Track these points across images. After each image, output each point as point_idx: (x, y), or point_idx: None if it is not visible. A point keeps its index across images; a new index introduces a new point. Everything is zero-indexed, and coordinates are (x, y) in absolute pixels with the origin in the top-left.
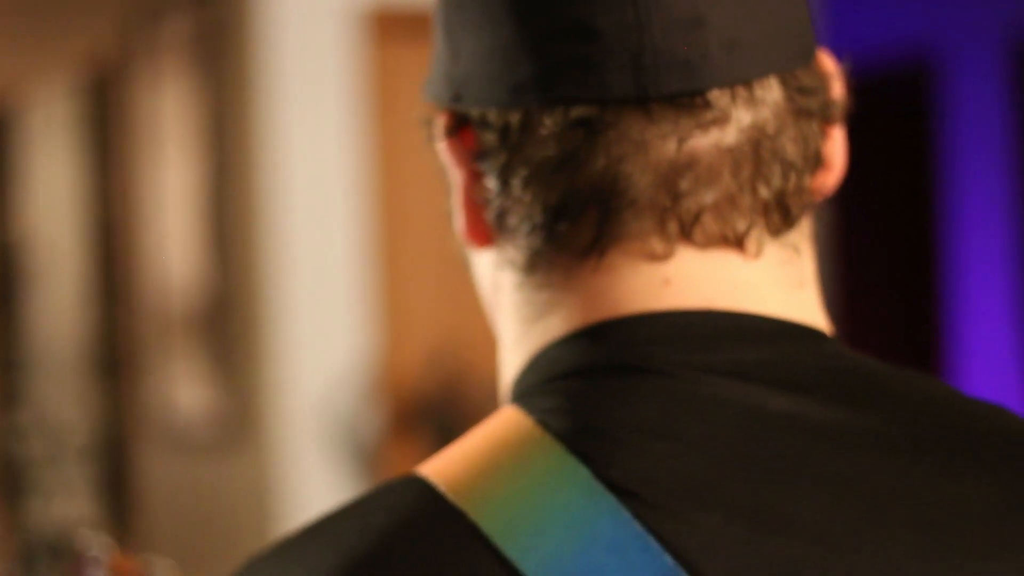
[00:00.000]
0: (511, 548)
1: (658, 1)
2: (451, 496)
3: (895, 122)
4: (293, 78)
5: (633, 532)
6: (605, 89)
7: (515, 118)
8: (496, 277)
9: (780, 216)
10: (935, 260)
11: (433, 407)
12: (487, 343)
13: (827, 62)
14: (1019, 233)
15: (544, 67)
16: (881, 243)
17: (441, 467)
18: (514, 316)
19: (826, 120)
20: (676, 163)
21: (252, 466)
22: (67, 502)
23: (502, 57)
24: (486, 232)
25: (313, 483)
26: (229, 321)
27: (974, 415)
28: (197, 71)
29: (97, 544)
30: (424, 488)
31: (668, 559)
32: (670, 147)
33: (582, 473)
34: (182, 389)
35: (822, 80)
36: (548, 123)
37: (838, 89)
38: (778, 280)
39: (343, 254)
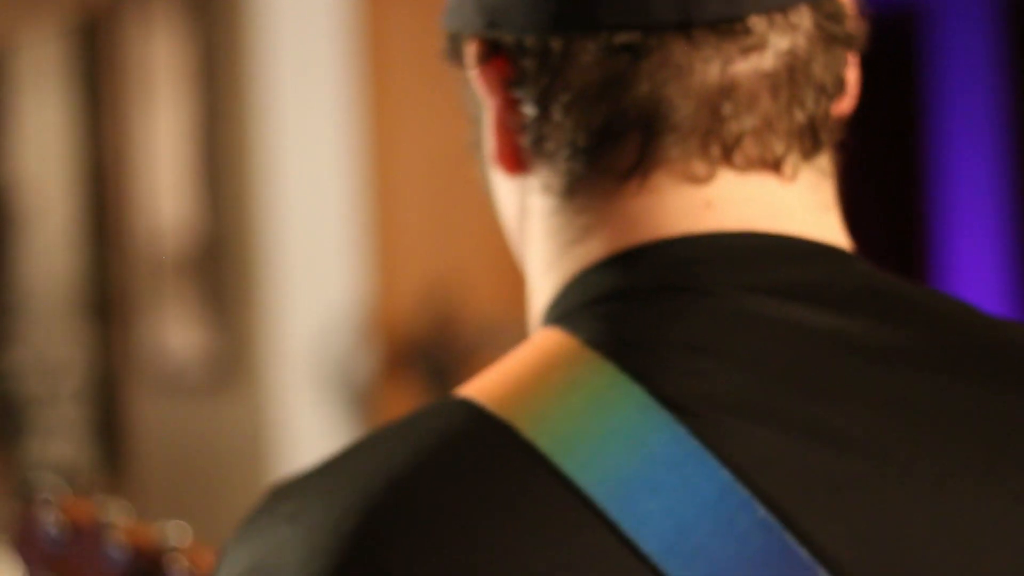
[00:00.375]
0: (568, 464)
1: None
2: (500, 413)
3: (883, 66)
4: (284, 22)
5: (690, 447)
6: (649, 15)
7: (557, 44)
8: (527, 203)
9: (812, 140)
10: (923, 202)
11: (425, 348)
12: (480, 284)
13: None
14: (1007, 178)
15: None
16: (870, 186)
17: (486, 388)
18: (548, 241)
19: (848, 47)
20: (719, 88)
21: (245, 408)
22: (63, 443)
23: None
24: (519, 158)
25: (307, 425)
26: (221, 263)
27: (1003, 332)
28: (188, 14)
29: (51, 487)
30: (472, 408)
31: (727, 473)
32: (712, 72)
33: (636, 391)
34: (174, 331)
35: (844, 9)
36: (592, 49)
37: (855, 18)
38: (810, 203)
39: (334, 196)
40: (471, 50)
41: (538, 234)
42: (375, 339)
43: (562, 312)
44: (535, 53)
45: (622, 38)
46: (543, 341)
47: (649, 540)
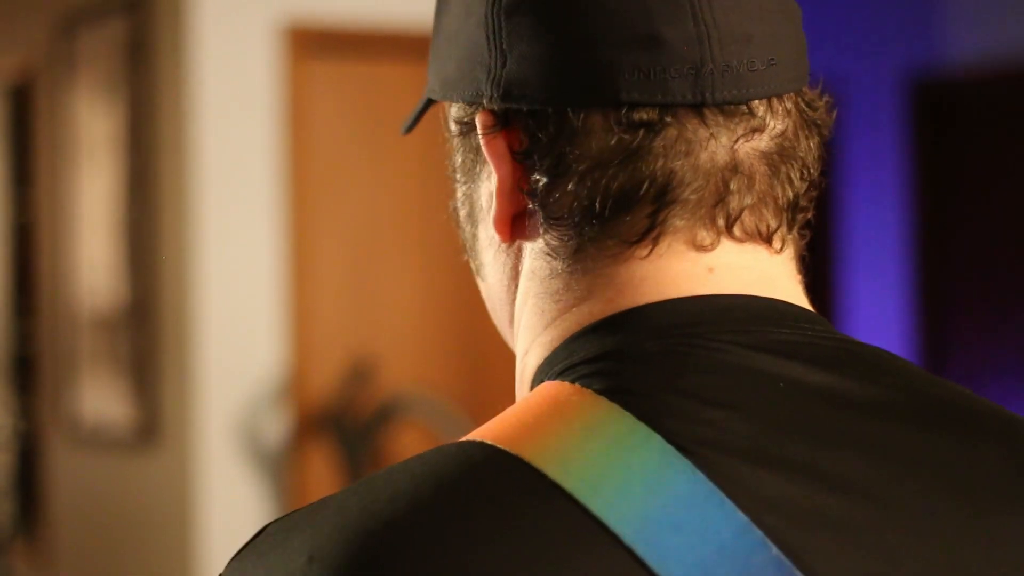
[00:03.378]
0: (595, 503)
1: (716, 18)
2: (522, 455)
3: None
4: (210, 89)
5: (708, 490)
6: (667, 94)
7: (575, 117)
8: (524, 266)
9: (793, 215)
10: (831, 252)
11: (336, 416)
12: (390, 357)
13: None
14: (906, 230)
15: (612, 72)
16: None
17: (499, 432)
18: (546, 300)
19: (821, 132)
20: (725, 164)
21: (164, 469)
22: None
23: (567, 60)
24: (520, 224)
25: (224, 486)
26: (144, 327)
27: (964, 393)
28: (118, 80)
29: None
30: (489, 447)
31: (742, 515)
32: (721, 150)
33: (654, 436)
34: (96, 393)
35: (816, 97)
36: (612, 122)
37: (822, 107)
38: (790, 272)
39: (256, 266)
40: (480, 120)
41: (536, 294)
42: (290, 405)
43: (566, 366)
44: (553, 124)
45: (640, 114)
46: (551, 392)
47: (673, 575)
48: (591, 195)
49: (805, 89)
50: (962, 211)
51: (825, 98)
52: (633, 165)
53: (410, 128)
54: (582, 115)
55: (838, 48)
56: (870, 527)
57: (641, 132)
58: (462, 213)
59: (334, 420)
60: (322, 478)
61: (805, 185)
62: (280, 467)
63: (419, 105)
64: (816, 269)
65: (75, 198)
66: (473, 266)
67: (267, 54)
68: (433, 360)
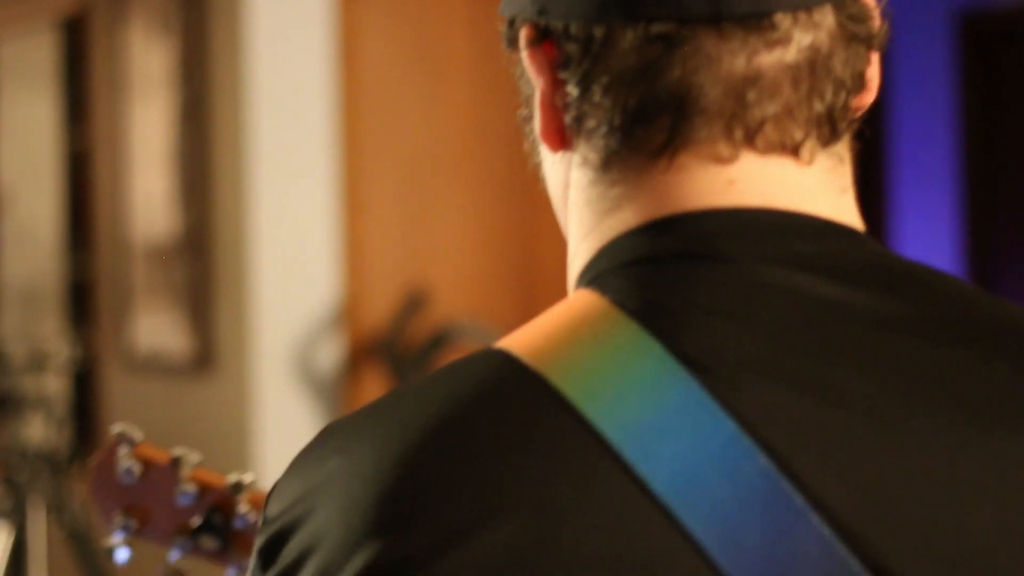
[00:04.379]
0: (591, 410)
1: None
2: (531, 363)
3: None
4: (264, 20)
5: (702, 400)
6: (683, 8)
7: (599, 31)
8: (569, 176)
9: (829, 129)
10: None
11: (389, 342)
12: (443, 284)
13: None
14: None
15: None
16: None
17: (523, 341)
18: (586, 210)
19: (870, 46)
20: (744, 77)
21: (220, 396)
22: (43, 428)
23: None
24: (562, 134)
25: (277, 412)
26: (198, 257)
27: (994, 308)
28: (172, 12)
29: (124, 433)
30: (507, 358)
31: (733, 425)
32: (739, 62)
33: (655, 347)
34: (151, 323)
35: (867, 10)
36: (630, 37)
37: (877, 20)
38: (825, 185)
39: (309, 194)
40: (523, 34)
41: (578, 204)
42: (344, 333)
43: (595, 275)
44: (579, 39)
45: (658, 28)
46: (576, 301)
47: (659, 481)
48: (613, 108)
49: (853, 1)
50: (1010, 143)
51: (876, 9)
52: (651, 79)
53: (509, 44)
54: (604, 29)
55: None
56: (868, 441)
57: (659, 46)
58: (528, 124)
59: (387, 348)
60: None
61: (844, 97)
62: (334, 394)
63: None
64: (864, 200)
65: (130, 130)
66: (540, 174)
67: None
68: (486, 289)
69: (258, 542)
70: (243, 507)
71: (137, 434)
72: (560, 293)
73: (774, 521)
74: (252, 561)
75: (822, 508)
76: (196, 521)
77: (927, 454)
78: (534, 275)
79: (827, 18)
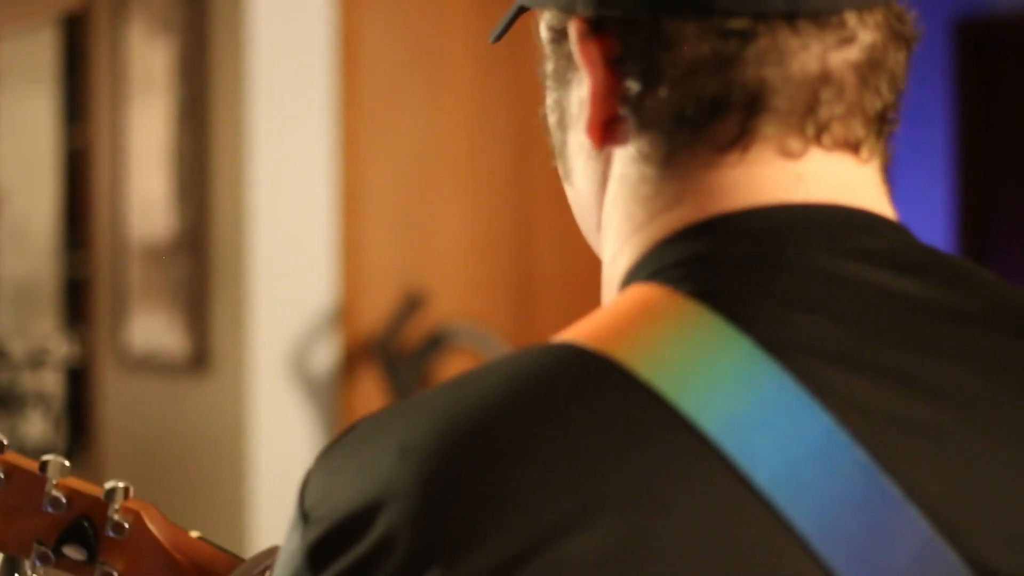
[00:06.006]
0: (685, 403)
1: None
2: (615, 356)
3: None
4: (264, 20)
5: (796, 392)
6: (760, 4)
7: (670, 24)
8: (609, 171)
9: (882, 126)
10: None
11: (384, 344)
12: (439, 287)
13: None
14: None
15: None
16: None
17: (588, 333)
18: (636, 206)
19: (909, 46)
20: (816, 74)
21: (214, 401)
22: (37, 424)
23: None
24: (611, 129)
25: (272, 412)
26: (195, 258)
27: None
28: (173, 10)
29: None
30: (580, 350)
31: (829, 418)
32: (811, 59)
33: (742, 339)
34: (148, 323)
35: (905, 12)
36: (704, 30)
37: (911, 20)
38: (878, 183)
39: (307, 195)
40: (574, 28)
41: (625, 199)
42: (341, 335)
43: (655, 270)
44: (646, 31)
45: (735, 23)
46: (640, 294)
47: (760, 474)
48: (683, 101)
49: (894, 3)
50: (1007, 149)
51: (913, 13)
52: (725, 73)
53: (499, 36)
54: (676, 23)
55: None
56: (957, 433)
57: (734, 41)
58: (552, 119)
59: (383, 349)
60: (371, 406)
61: (893, 97)
62: (330, 396)
63: (509, 12)
64: None
65: (129, 129)
66: (562, 171)
67: None
68: (483, 292)
69: (302, 539)
70: (116, 515)
71: (3, 439)
72: (556, 297)
73: (873, 515)
74: (295, 560)
75: (920, 501)
76: (61, 529)
77: (1016, 444)
78: (531, 278)
79: (882, 18)
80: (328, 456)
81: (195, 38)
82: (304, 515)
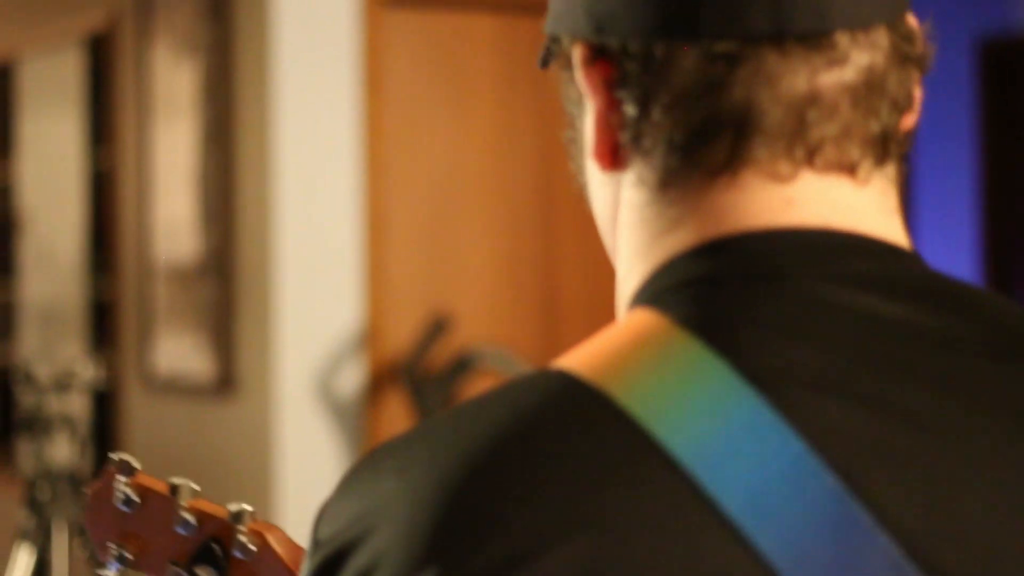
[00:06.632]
0: (659, 429)
1: None
2: (596, 383)
3: None
4: (289, 42)
5: (769, 418)
6: (746, 27)
7: (660, 49)
8: (621, 196)
9: (883, 149)
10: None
11: (410, 368)
12: (465, 311)
13: (911, 18)
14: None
15: (692, 5)
16: None
17: (582, 360)
18: (640, 230)
19: (919, 67)
20: (805, 96)
21: (240, 424)
22: (65, 448)
23: None
24: (616, 154)
25: (300, 441)
26: (221, 280)
27: None
28: (199, 32)
29: (120, 462)
30: (570, 377)
31: (800, 443)
32: (800, 81)
33: (721, 365)
34: (174, 346)
35: (915, 32)
36: (693, 55)
37: (923, 41)
38: (879, 206)
39: (334, 217)
40: (577, 53)
41: (630, 224)
42: (367, 358)
43: (652, 294)
44: (639, 57)
45: (721, 47)
46: (635, 320)
47: (728, 500)
48: (674, 127)
49: (904, 22)
50: None
51: (925, 30)
52: (713, 97)
53: (544, 63)
54: (665, 48)
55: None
56: (933, 459)
57: (722, 64)
58: (573, 144)
59: (408, 372)
60: (397, 429)
61: (898, 118)
62: (356, 418)
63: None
64: None
65: (154, 151)
66: (585, 195)
67: (346, 5)
68: (508, 315)
69: (309, 565)
70: (244, 537)
71: (135, 463)
72: (581, 318)
73: (843, 541)
74: None
75: (890, 527)
76: (193, 550)
77: (992, 471)
78: (556, 301)
79: (882, 38)
80: (340, 484)
81: (220, 59)
82: (315, 541)
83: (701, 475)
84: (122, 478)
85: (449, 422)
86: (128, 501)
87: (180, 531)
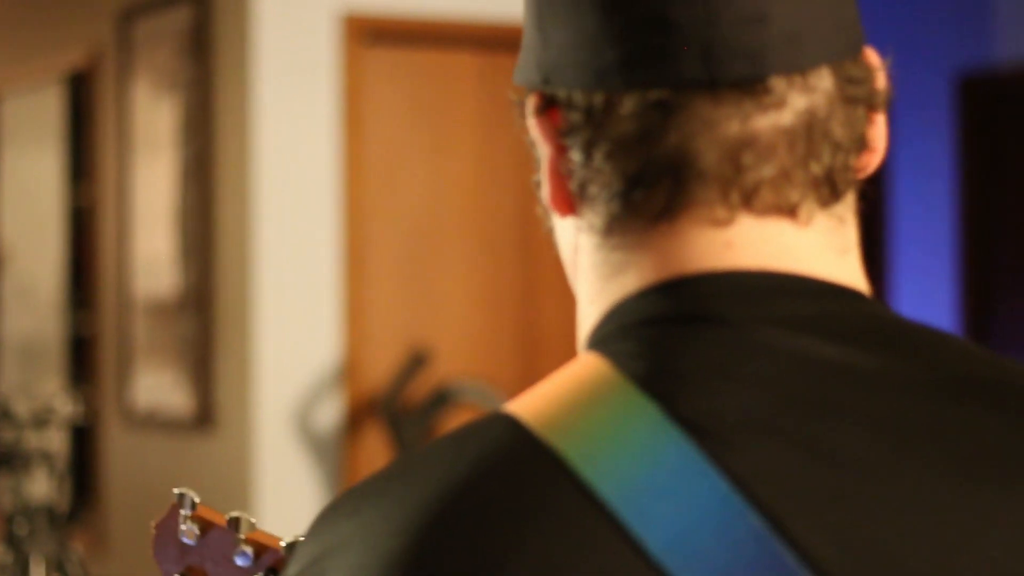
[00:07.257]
0: (590, 473)
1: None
2: (537, 429)
3: None
4: (269, 79)
5: (696, 461)
6: (679, 75)
7: (599, 99)
8: (576, 240)
9: (828, 190)
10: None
11: (390, 402)
12: (442, 346)
13: (872, 56)
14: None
15: (625, 54)
16: None
17: (527, 404)
18: (592, 274)
19: (871, 107)
20: (739, 140)
21: (219, 458)
22: (42, 483)
23: (589, 45)
24: (569, 200)
25: (279, 476)
26: (201, 315)
27: (995, 366)
28: (179, 69)
29: (183, 497)
30: (512, 422)
31: (724, 484)
32: (734, 126)
33: (652, 410)
34: (153, 381)
35: (868, 72)
36: (628, 104)
37: (882, 80)
38: (825, 246)
39: (313, 253)
40: (530, 102)
41: (584, 268)
42: (345, 393)
43: (599, 338)
44: (581, 107)
45: (655, 95)
46: (580, 364)
47: (655, 541)
48: (614, 174)
49: (853, 63)
50: (1010, 203)
51: (879, 70)
52: (649, 145)
53: (517, 111)
54: (604, 97)
55: (886, 45)
56: (860, 498)
57: (656, 112)
58: (539, 188)
59: (387, 407)
60: (375, 464)
61: (843, 159)
62: (334, 453)
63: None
64: (863, 261)
65: (134, 187)
66: (552, 237)
67: (326, 43)
68: (487, 350)
69: None
70: None
71: (196, 497)
72: (561, 353)
73: None
74: None
75: (815, 567)
76: None
77: (919, 511)
78: (535, 336)
79: (824, 81)
80: (310, 526)
81: (200, 96)
82: None
83: (628, 517)
84: (184, 512)
85: (403, 468)
86: (189, 534)
87: (239, 562)
